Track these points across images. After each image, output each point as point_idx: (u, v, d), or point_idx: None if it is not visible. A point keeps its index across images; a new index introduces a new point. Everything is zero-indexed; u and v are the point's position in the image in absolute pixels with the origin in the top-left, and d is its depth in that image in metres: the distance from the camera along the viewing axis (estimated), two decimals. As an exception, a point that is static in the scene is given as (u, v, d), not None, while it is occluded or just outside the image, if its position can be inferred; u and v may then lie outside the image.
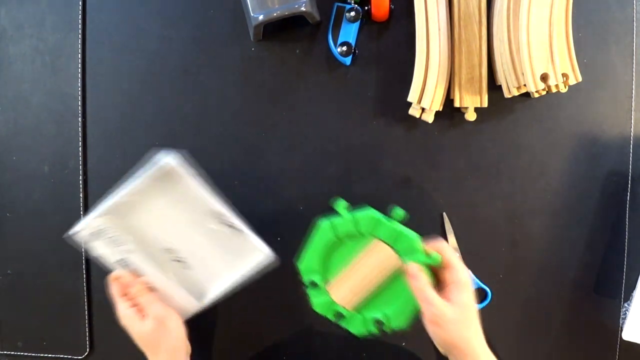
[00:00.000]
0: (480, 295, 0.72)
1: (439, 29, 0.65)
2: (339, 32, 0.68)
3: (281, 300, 0.73)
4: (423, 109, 0.67)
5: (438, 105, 0.66)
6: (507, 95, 0.66)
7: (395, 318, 0.61)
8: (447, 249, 0.59)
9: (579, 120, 0.69)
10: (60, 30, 0.70)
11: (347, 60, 0.68)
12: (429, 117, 0.67)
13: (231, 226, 0.63)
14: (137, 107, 0.71)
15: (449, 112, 0.69)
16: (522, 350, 0.73)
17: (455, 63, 0.66)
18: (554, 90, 0.63)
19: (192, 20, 0.70)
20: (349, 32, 0.68)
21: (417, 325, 0.73)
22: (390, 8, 0.67)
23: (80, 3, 0.70)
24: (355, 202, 0.70)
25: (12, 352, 0.74)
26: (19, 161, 0.72)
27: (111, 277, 0.63)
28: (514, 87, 0.65)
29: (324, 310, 0.63)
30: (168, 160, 0.59)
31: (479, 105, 0.67)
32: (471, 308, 0.57)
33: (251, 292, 0.71)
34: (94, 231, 0.61)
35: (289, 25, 0.68)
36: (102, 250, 0.62)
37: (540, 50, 0.62)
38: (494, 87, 0.68)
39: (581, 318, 0.73)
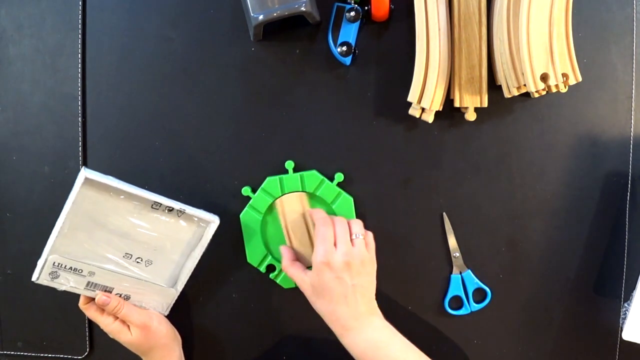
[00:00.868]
0: (480, 295, 0.72)
1: (439, 29, 0.65)
2: (339, 32, 0.68)
3: (281, 301, 0.73)
4: (423, 109, 0.67)
5: (438, 105, 0.66)
6: (507, 95, 0.66)
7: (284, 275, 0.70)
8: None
9: (579, 120, 0.69)
10: (60, 30, 0.70)
11: (347, 60, 0.68)
12: (429, 117, 0.67)
13: (171, 209, 0.65)
14: (137, 107, 0.71)
15: (449, 112, 0.69)
16: (522, 350, 0.73)
17: (455, 63, 0.66)
18: (554, 90, 0.63)
19: (192, 20, 0.70)
20: (349, 32, 0.68)
21: (417, 325, 0.73)
22: (390, 8, 0.67)
23: (80, 3, 0.70)
24: (356, 203, 0.70)
25: (12, 352, 0.74)
26: (19, 161, 0.72)
27: (81, 305, 0.66)
28: (514, 87, 0.65)
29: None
30: (81, 173, 0.60)
31: (479, 105, 0.67)
32: (313, 286, 0.64)
33: (251, 292, 0.71)
34: (51, 271, 0.63)
35: (289, 25, 0.68)
36: (69, 283, 0.64)
37: (540, 50, 0.62)
38: (494, 87, 0.68)
39: (581, 318, 0.73)
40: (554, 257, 0.72)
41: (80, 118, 0.71)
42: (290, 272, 0.66)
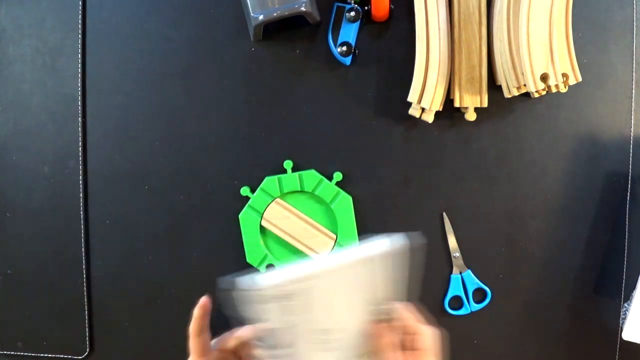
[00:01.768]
0: (480, 295, 0.72)
1: (439, 29, 0.65)
2: (339, 32, 0.68)
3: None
4: (423, 109, 0.67)
5: (438, 105, 0.66)
6: (507, 95, 0.66)
7: None
8: (410, 316, 0.53)
9: (579, 120, 0.69)
10: (60, 30, 0.70)
11: (347, 60, 0.68)
12: (429, 117, 0.67)
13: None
14: (137, 107, 0.71)
15: (449, 112, 0.69)
16: (522, 351, 0.73)
17: (455, 63, 0.66)
18: (554, 90, 0.63)
19: (192, 20, 0.70)
20: (349, 32, 0.68)
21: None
22: (390, 8, 0.67)
23: (80, 3, 0.70)
24: (356, 203, 0.70)
25: (12, 352, 0.74)
26: (19, 161, 0.72)
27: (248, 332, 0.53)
28: (514, 87, 0.65)
29: None
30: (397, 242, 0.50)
31: (479, 105, 0.67)
32: None
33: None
34: (281, 295, 0.46)
35: (289, 25, 0.68)
36: (270, 316, 0.47)
37: (540, 50, 0.62)
38: (494, 87, 0.68)
39: (581, 318, 0.73)
40: (554, 257, 0.72)
41: (80, 118, 0.71)
42: None
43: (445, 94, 0.67)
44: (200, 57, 0.70)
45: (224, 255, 0.72)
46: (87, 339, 0.73)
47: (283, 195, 0.70)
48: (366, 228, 0.70)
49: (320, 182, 0.69)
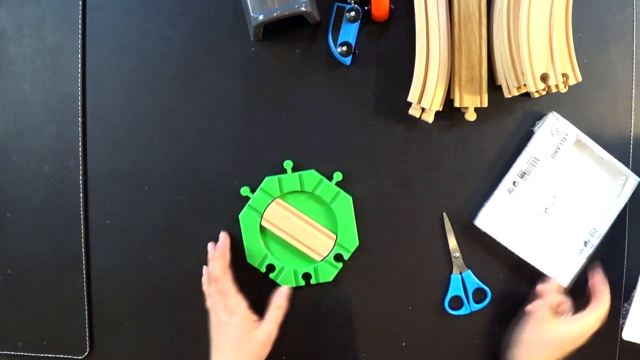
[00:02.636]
0: (480, 295, 0.72)
1: (439, 29, 0.65)
2: (339, 32, 0.68)
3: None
4: (423, 109, 0.67)
5: (438, 105, 0.66)
6: (507, 95, 0.66)
7: (285, 274, 0.71)
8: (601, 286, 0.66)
9: (579, 120, 0.69)
10: (60, 30, 0.70)
11: (347, 60, 0.68)
12: (429, 117, 0.67)
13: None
14: (137, 107, 0.71)
15: (449, 112, 0.69)
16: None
17: (455, 63, 0.66)
18: (554, 90, 0.63)
19: (192, 20, 0.70)
20: (349, 32, 0.68)
21: (417, 325, 0.73)
22: (390, 8, 0.67)
23: (80, 3, 0.70)
24: (356, 203, 0.70)
25: (12, 352, 0.74)
26: (19, 161, 0.72)
27: None
28: (514, 87, 0.65)
29: (290, 282, 0.71)
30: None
31: (479, 105, 0.67)
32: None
33: (250, 292, 0.71)
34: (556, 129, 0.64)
35: (289, 25, 0.68)
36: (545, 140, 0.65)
37: (540, 50, 0.62)
38: (494, 87, 0.68)
39: (581, 318, 0.73)
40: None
41: (80, 118, 0.71)
42: None
43: (445, 94, 0.67)
44: (201, 57, 0.70)
45: (224, 255, 0.72)
46: (87, 339, 0.73)
47: (283, 196, 0.70)
48: (366, 228, 0.70)
49: (320, 182, 0.69)
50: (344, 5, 0.68)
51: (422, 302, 0.73)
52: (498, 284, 0.72)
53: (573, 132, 0.68)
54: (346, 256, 0.70)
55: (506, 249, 0.70)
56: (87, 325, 0.73)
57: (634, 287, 0.70)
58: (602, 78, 0.70)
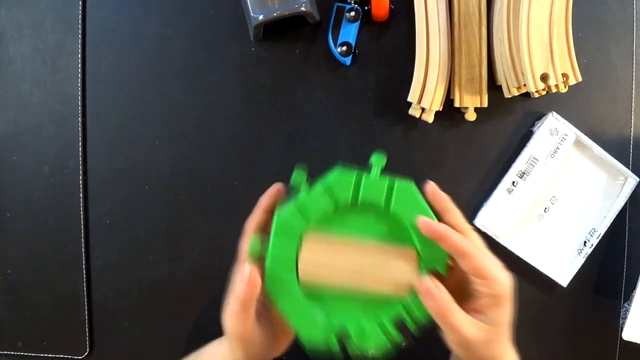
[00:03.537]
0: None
1: (439, 29, 0.65)
2: (339, 32, 0.68)
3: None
4: (423, 109, 0.67)
5: (438, 105, 0.66)
6: (507, 95, 0.66)
7: (370, 333, 0.47)
8: (479, 253, 0.45)
9: (579, 121, 0.69)
10: (60, 30, 0.70)
11: (347, 60, 0.68)
12: (429, 117, 0.67)
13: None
14: (137, 107, 0.71)
15: (449, 112, 0.69)
16: (522, 351, 0.73)
17: (455, 63, 0.66)
18: (554, 90, 0.63)
19: (192, 20, 0.70)
20: (349, 32, 0.68)
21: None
22: (390, 8, 0.67)
23: (80, 3, 0.70)
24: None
25: (12, 352, 0.74)
26: (19, 161, 0.72)
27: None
28: (514, 87, 0.65)
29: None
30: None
31: (478, 105, 0.67)
32: (507, 325, 0.47)
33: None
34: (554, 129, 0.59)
35: (289, 25, 0.68)
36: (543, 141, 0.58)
37: (540, 50, 0.62)
38: (494, 87, 0.68)
39: (581, 318, 0.73)
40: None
41: (80, 118, 0.71)
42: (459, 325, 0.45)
43: (445, 94, 0.67)
44: (200, 56, 0.70)
45: (224, 255, 0.72)
46: (87, 339, 0.73)
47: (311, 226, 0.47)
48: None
49: (359, 180, 0.47)
50: (344, 5, 0.68)
51: (422, 302, 0.73)
52: (498, 284, 0.72)
53: (572, 132, 0.68)
54: (442, 269, 0.47)
55: (505, 248, 0.70)
56: (87, 325, 0.73)
57: (634, 287, 0.70)
58: (602, 78, 0.70)
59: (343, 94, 0.70)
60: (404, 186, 0.46)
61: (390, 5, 0.67)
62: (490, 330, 0.45)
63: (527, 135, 0.70)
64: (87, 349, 0.73)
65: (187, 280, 0.72)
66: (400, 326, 0.48)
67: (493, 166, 0.71)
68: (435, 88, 0.65)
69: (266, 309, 0.49)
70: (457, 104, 0.67)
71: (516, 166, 0.69)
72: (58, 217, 0.72)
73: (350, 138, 0.71)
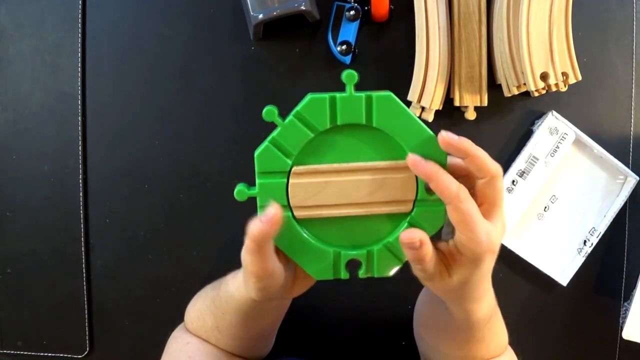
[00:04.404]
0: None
1: (439, 28, 0.65)
2: (339, 31, 0.68)
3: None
4: (423, 108, 0.67)
5: (438, 104, 0.66)
6: (506, 94, 0.66)
7: (380, 258, 0.45)
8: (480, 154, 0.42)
9: (579, 120, 0.69)
10: (60, 29, 0.70)
11: (347, 60, 0.68)
12: (429, 116, 0.67)
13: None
14: (137, 106, 0.71)
15: (449, 111, 0.69)
16: (522, 350, 0.73)
17: (455, 62, 0.66)
18: (553, 89, 0.63)
19: (192, 20, 0.70)
20: (349, 31, 0.68)
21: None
22: (390, 8, 0.67)
23: (80, 2, 0.70)
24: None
25: (12, 352, 0.74)
26: (19, 161, 0.72)
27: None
28: (514, 86, 0.65)
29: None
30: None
31: (478, 104, 0.67)
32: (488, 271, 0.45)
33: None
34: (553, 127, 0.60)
35: (288, 25, 0.68)
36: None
37: (540, 50, 0.62)
38: (493, 86, 0.68)
39: (581, 318, 0.73)
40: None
41: (80, 117, 0.71)
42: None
43: (445, 93, 0.67)
44: (200, 56, 0.70)
45: (224, 255, 0.72)
46: (87, 338, 0.73)
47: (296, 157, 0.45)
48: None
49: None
50: (344, 4, 0.68)
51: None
52: (498, 284, 0.72)
53: (572, 131, 0.68)
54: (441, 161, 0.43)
55: (506, 247, 0.70)
56: (87, 325, 0.73)
57: (634, 287, 0.70)
58: (602, 77, 0.70)
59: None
60: (383, 97, 0.42)
61: (390, 5, 0.67)
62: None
63: (527, 134, 0.70)
64: (87, 349, 0.73)
65: (187, 280, 0.72)
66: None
67: (493, 165, 0.71)
68: (435, 87, 0.65)
69: None
70: (456, 103, 0.67)
71: (516, 165, 0.69)
72: (58, 216, 0.72)
73: (350, 137, 0.71)
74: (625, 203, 0.71)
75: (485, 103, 0.67)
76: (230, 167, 0.71)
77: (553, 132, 0.68)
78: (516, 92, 0.65)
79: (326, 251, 0.45)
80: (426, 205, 0.44)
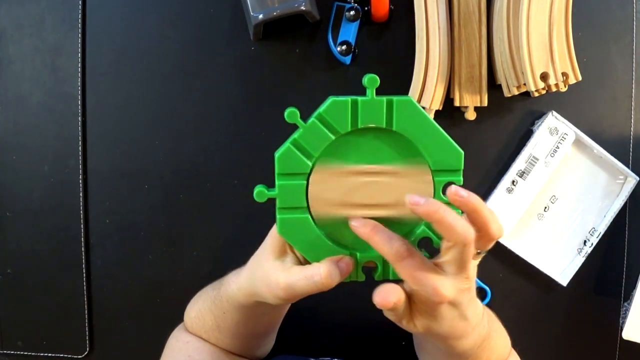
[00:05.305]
0: (481, 295, 0.72)
1: (439, 29, 0.65)
2: (339, 31, 0.68)
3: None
4: (423, 108, 0.67)
5: (438, 105, 0.66)
6: (506, 94, 0.66)
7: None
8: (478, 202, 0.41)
9: (579, 120, 0.69)
10: (60, 29, 0.70)
11: (347, 60, 0.68)
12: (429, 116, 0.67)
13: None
14: (137, 106, 0.71)
15: (449, 111, 0.69)
16: (522, 350, 0.73)
17: (455, 62, 0.66)
18: (553, 89, 0.63)
19: (192, 20, 0.70)
20: (349, 31, 0.68)
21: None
22: (390, 8, 0.67)
23: (80, 3, 0.70)
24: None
25: (12, 352, 0.74)
26: (19, 161, 0.72)
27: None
28: (514, 86, 0.65)
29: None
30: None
31: (478, 105, 0.67)
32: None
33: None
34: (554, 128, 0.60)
35: (288, 25, 0.68)
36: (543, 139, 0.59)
37: (540, 50, 0.62)
38: (493, 86, 0.68)
39: (581, 318, 0.73)
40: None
41: (80, 117, 0.71)
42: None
43: (445, 93, 0.67)
44: (200, 56, 0.70)
45: (224, 255, 0.72)
46: (87, 338, 0.73)
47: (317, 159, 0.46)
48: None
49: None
50: (344, 4, 0.68)
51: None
52: (498, 284, 0.72)
53: (572, 131, 0.68)
54: (458, 178, 0.46)
55: (506, 248, 0.70)
56: (87, 325, 0.73)
57: (634, 287, 0.70)
58: (602, 77, 0.70)
59: (343, 93, 0.70)
60: (404, 101, 0.44)
61: (390, 5, 0.67)
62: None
63: (527, 135, 0.70)
64: (87, 349, 0.73)
65: (187, 280, 0.72)
66: (424, 245, 0.45)
67: (493, 165, 0.71)
68: (435, 87, 0.65)
69: None
70: (457, 103, 0.67)
71: (516, 165, 0.69)
72: (58, 216, 0.72)
73: (350, 137, 0.71)
74: (625, 203, 0.71)
75: (485, 103, 0.67)
76: (230, 167, 0.71)
77: (553, 132, 0.68)
78: (516, 92, 0.65)
79: (343, 253, 0.45)
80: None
